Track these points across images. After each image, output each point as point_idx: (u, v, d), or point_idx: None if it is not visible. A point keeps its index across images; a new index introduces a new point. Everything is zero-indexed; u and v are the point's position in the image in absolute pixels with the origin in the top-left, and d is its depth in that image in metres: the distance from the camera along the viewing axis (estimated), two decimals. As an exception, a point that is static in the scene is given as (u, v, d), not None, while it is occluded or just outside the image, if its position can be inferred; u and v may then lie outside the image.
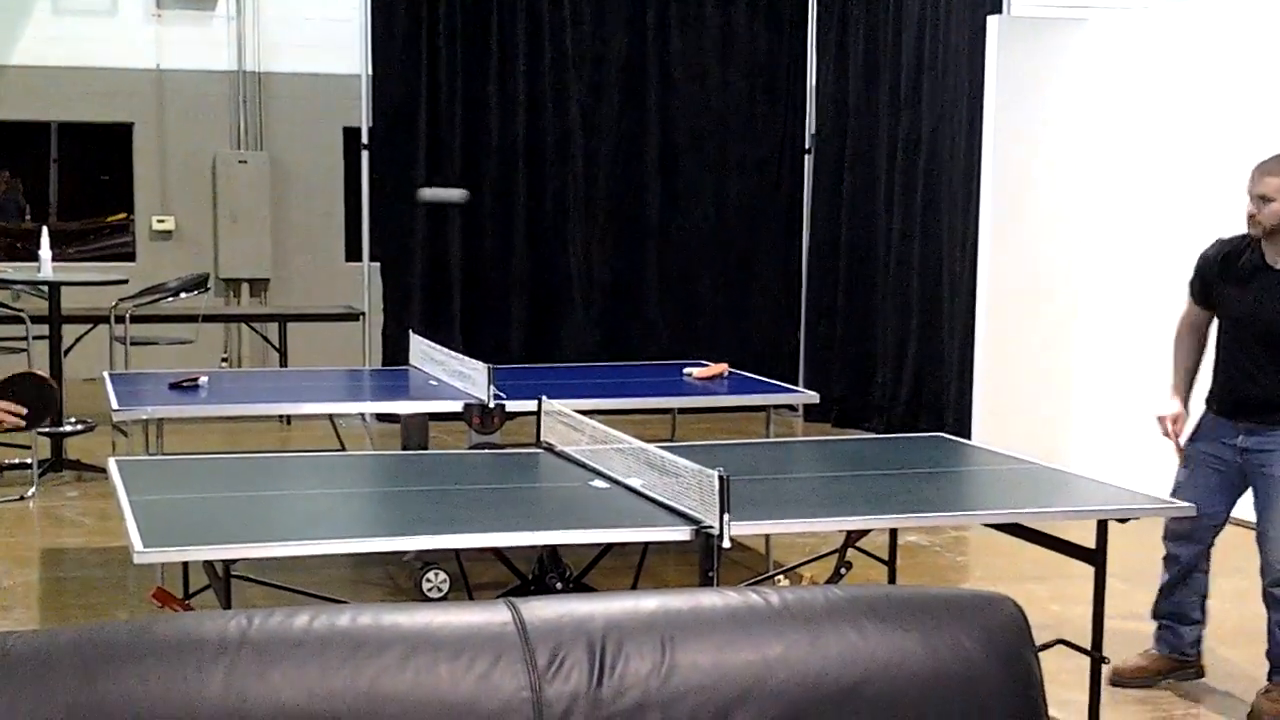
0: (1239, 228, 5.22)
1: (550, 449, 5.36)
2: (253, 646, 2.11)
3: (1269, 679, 5.19)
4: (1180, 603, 5.43)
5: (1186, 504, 4.85)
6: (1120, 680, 5.43)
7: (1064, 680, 4.93)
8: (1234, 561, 5.54)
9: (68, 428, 8.96)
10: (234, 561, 4.02)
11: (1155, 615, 5.51)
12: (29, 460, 8.35)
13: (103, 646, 2.08)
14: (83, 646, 2.08)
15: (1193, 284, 5.38)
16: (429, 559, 6.23)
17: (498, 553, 5.47)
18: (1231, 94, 7.93)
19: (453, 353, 7.09)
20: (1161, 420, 5.31)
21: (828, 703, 2.26)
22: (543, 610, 2.27)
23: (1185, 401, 5.36)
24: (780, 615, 2.33)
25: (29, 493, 8.15)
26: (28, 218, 13.45)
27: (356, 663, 2.12)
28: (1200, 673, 5.50)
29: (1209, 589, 5.45)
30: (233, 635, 2.12)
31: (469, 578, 5.70)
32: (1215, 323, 5.31)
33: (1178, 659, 5.47)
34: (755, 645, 2.28)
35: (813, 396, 7.28)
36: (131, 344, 9.17)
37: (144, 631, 2.13)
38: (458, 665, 2.15)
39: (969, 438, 8.55)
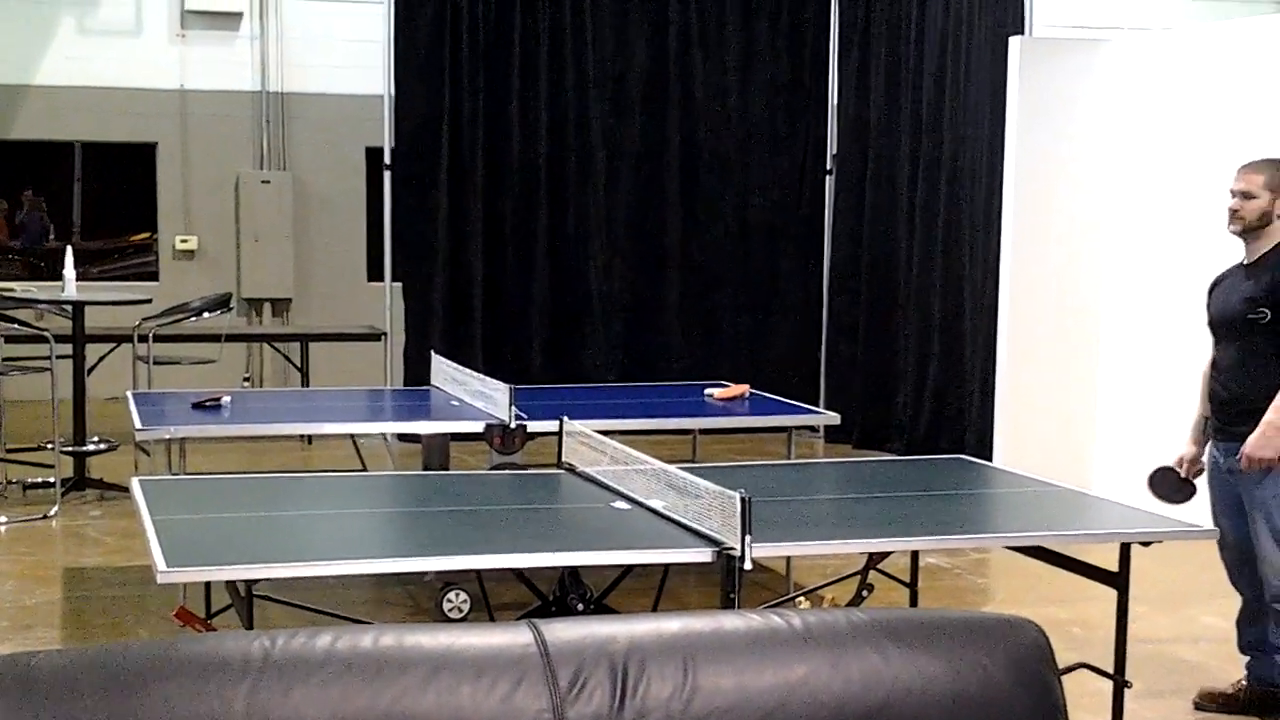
0: None
1: (572, 470, 5.36)
2: (276, 667, 2.11)
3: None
4: (1261, 630, 5.27)
5: (1210, 529, 4.82)
6: (1202, 705, 5.35)
7: (1086, 704, 4.90)
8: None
9: (90, 446, 9.00)
10: (256, 581, 4.03)
11: (1241, 647, 5.39)
12: (52, 479, 8.38)
13: (126, 666, 2.09)
14: (106, 666, 2.08)
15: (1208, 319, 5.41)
16: (450, 579, 6.23)
17: (519, 574, 5.46)
18: (1253, 116, 7.91)
19: (474, 373, 7.10)
20: (1179, 463, 5.36)
21: (850, 726, 2.25)
22: (565, 632, 2.27)
23: (1199, 442, 5.36)
24: (803, 638, 2.33)
25: (52, 511, 8.17)
26: (52, 237, 13.52)
27: (379, 684, 2.12)
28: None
29: None
30: (256, 656, 2.12)
31: (490, 598, 5.70)
32: None
33: (1264, 690, 5.30)
34: (778, 668, 2.27)
35: (834, 418, 7.27)
36: (154, 363, 9.19)
37: (167, 651, 2.13)
38: (480, 686, 2.15)
39: (991, 459, 8.53)
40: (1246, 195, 5.09)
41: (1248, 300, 5.09)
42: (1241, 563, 5.24)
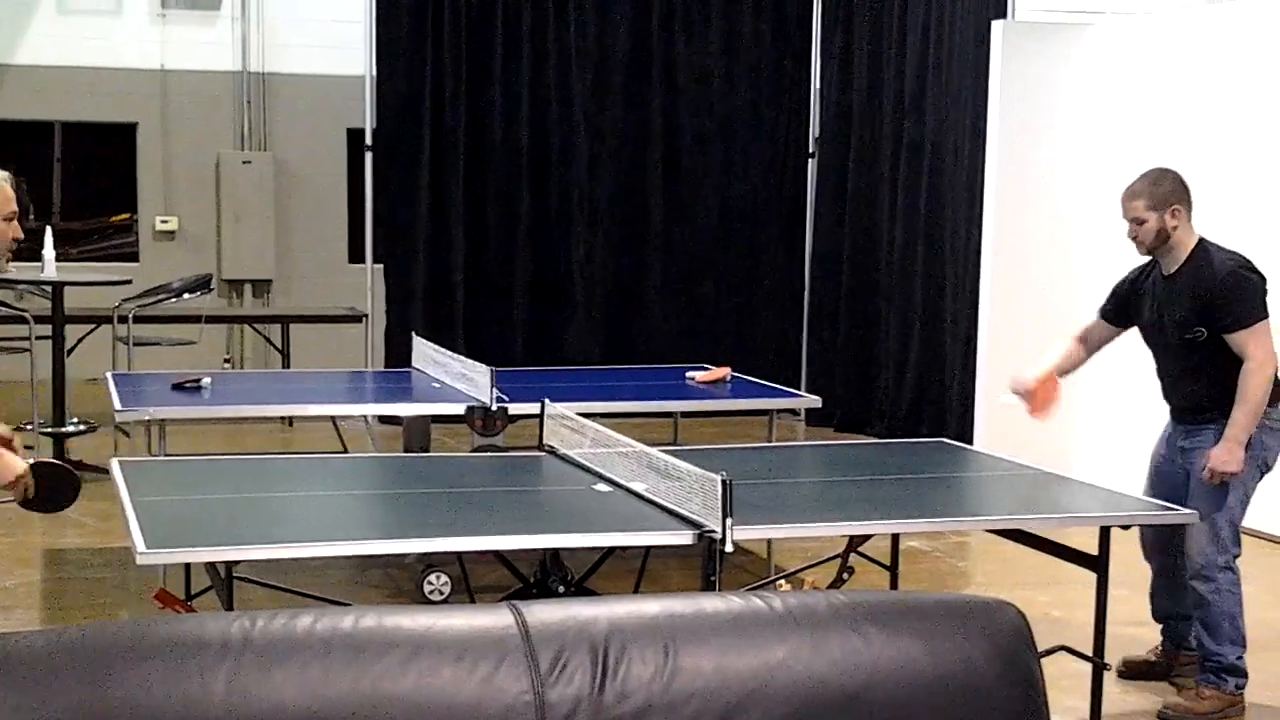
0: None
1: (553, 452, 5.36)
2: (255, 649, 2.11)
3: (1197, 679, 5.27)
4: (1170, 602, 5.49)
5: (1189, 511, 4.85)
6: (1127, 673, 5.49)
7: (1065, 686, 4.92)
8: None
9: (70, 428, 8.97)
10: (236, 563, 4.02)
11: (1155, 617, 5.57)
12: (32, 460, 8.33)
13: (105, 648, 2.08)
14: (85, 648, 2.08)
15: (1105, 303, 5.58)
16: (431, 561, 6.23)
17: (499, 555, 5.47)
18: (1236, 99, 7.93)
19: (455, 355, 7.09)
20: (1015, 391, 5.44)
21: (830, 708, 2.26)
22: (545, 614, 2.27)
23: (1043, 377, 5.48)
24: (783, 620, 2.33)
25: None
26: (31, 217, 13.45)
27: (359, 665, 2.12)
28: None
29: None
30: (235, 637, 2.12)
31: (470, 580, 5.70)
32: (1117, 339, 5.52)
33: (1185, 654, 5.50)
34: (758, 650, 2.28)
35: (815, 401, 7.28)
36: (134, 344, 9.17)
37: (147, 633, 2.13)
38: (460, 668, 2.15)
39: (971, 443, 8.55)
40: (1137, 221, 5.20)
41: (1179, 324, 5.16)
42: (1157, 538, 5.39)
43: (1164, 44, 8.49)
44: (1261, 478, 5.21)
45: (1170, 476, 5.31)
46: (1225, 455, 5.03)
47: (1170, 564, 5.43)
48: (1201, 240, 5.21)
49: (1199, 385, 5.19)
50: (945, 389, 10.10)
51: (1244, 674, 5.22)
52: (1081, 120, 8.91)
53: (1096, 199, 8.88)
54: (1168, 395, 5.35)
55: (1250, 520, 5.36)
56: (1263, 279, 5.13)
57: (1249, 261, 5.17)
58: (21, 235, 4.41)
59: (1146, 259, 5.38)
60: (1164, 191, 5.16)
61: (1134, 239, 5.26)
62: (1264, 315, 5.07)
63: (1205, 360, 5.14)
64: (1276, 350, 5.07)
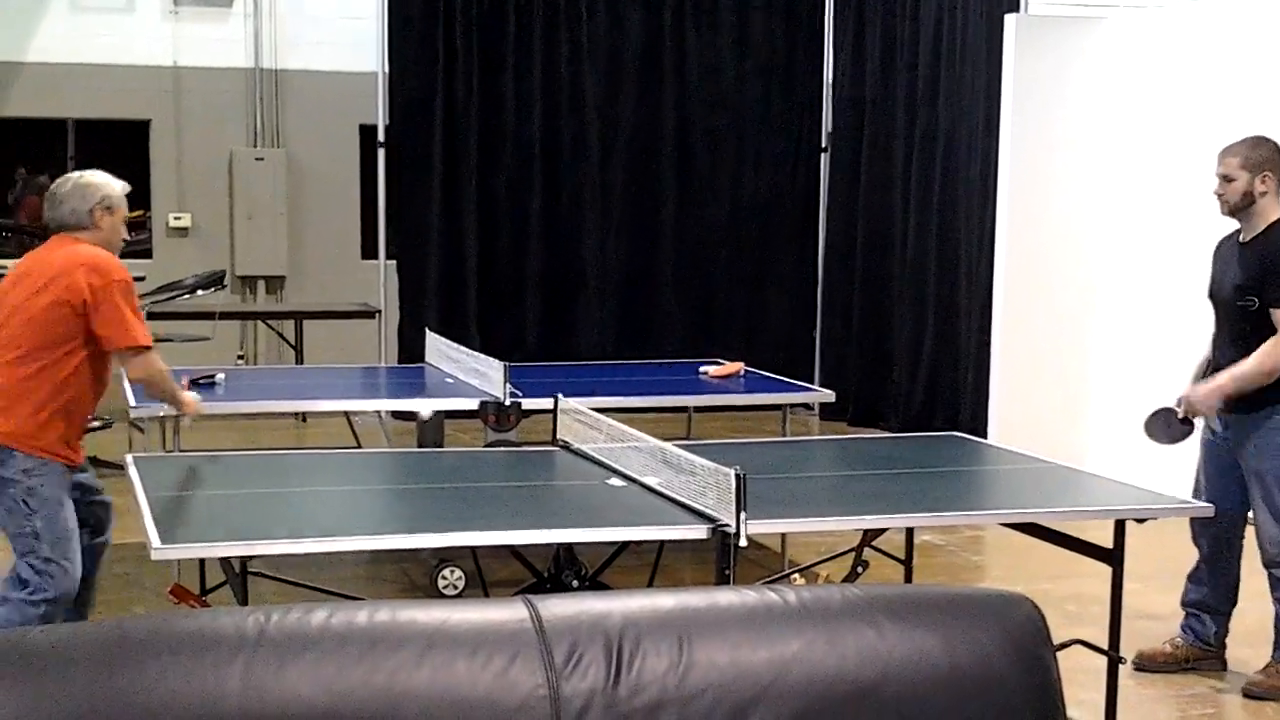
0: None
1: (566, 447, 5.36)
2: (270, 643, 2.11)
3: (1272, 656, 5.30)
4: (1205, 591, 5.51)
5: (1205, 504, 4.85)
6: (1142, 665, 5.50)
7: (1080, 680, 4.91)
8: (1255, 561, 5.51)
9: (85, 424, 8.96)
10: (251, 558, 4.02)
11: (1182, 603, 5.59)
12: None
13: (122, 642, 2.08)
14: (102, 642, 2.08)
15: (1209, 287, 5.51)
16: (445, 556, 6.24)
17: (514, 550, 5.47)
18: (1248, 92, 7.90)
19: (469, 350, 7.09)
20: (1179, 404, 5.42)
21: (845, 702, 2.26)
22: (560, 608, 2.27)
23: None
24: (798, 614, 2.33)
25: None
26: (21, 212, 13.47)
27: (374, 660, 2.12)
28: (1223, 666, 5.53)
29: (1237, 581, 5.48)
30: (251, 632, 2.12)
31: (485, 575, 5.71)
32: None
33: (1200, 648, 5.52)
34: (772, 644, 2.27)
35: (828, 395, 7.28)
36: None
37: (163, 628, 2.13)
38: (475, 662, 2.15)
39: (985, 436, 8.53)
40: (1226, 179, 5.20)
41: (1237, 288, 5.17)
42: (1204, 524, 5.37)
43: (1177, 37, 8.46)
44: None
45: (1216, 451, 5.35)
46: (1204, 395, 5.15)
47: (1214, 552, 5.45)
48: None
49: (1237, 359, 5.16)
50: (959, 383, 10.08)
51: None
52: (1094, 113, 8.89)
53: (1110, 192, 8.86)
54: (1217, 365, 5.30)
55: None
56: None
57: None
58: (129, 236, 5.01)
59: (1230, 231, 5.36)
60: (1260, 156, 5.17)
61: (1220, 196, 5.24)
62: None
63: (1253, 331, 5.12)
64: None
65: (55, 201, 4.88)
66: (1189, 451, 5.47)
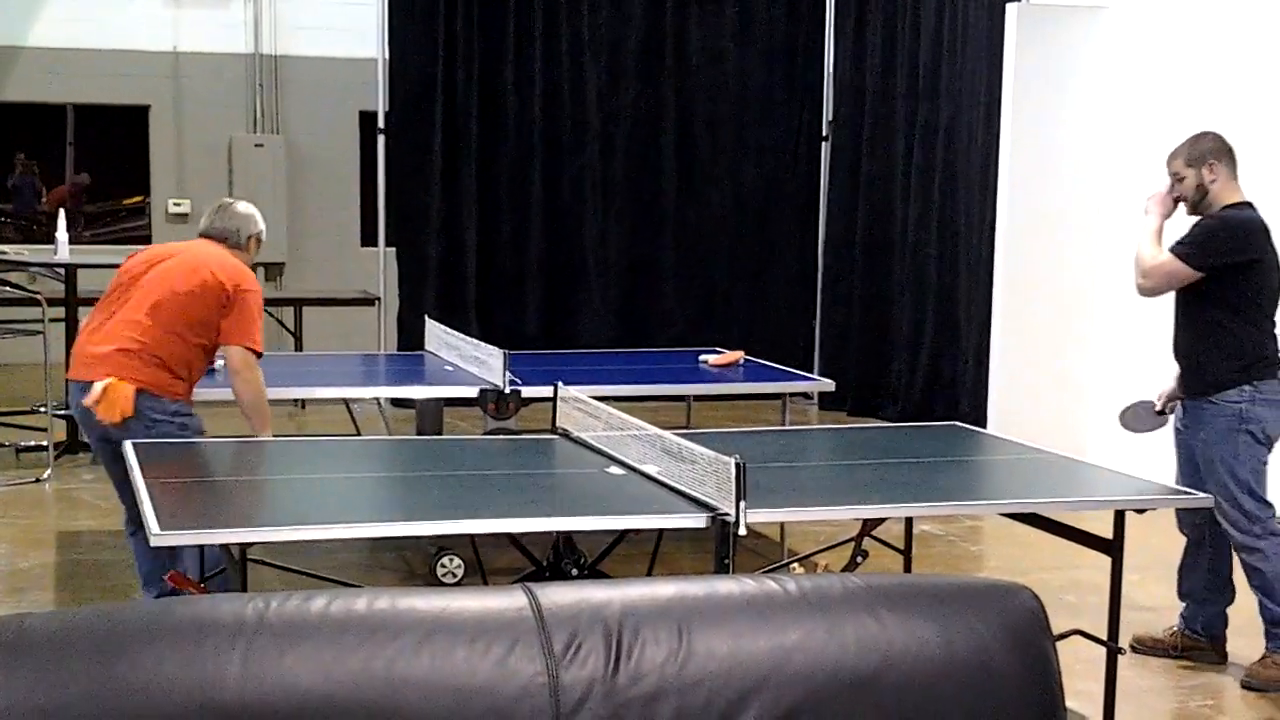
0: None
1: (566, 435, 5.35)
2: (269, 630, 2.10)
3: (1267, 647, 5.34)
4: (1193, 580, 5.58)
5: (1204, 495, 4.84)
6: (1136, 648, 5.57)
7: (1080, 670, 4.92)
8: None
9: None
10: (250, 545, 4.02)
11: (1179, 594, 5.65)
12: (45, 443, 8.37)
13: (120, 628, 2.08)
14: (99, 628, 2.08)
15: None
16: (444, 544, 6.24)
17: (513, 538, 5.46)
18: (1251, 82, 7.89)
19: (468, 338, 7.09)
20: (1159, 397, 5.68)
21: (844, 691, 2.25)
22: (559, 596, 2.26)
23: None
24: (797, 603, 2.33)
25: (45, 475, 8.16)
26: (44, 200, 13.47)
27: (373, 647, 2.11)
28: (1221, 658, 5.54)
29: (1227, 571, 5.49)
30: (250, 618, 2.12)
31: (484, 563, 5.70)
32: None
33: (1190, 637, 5.58)
34: (772, 633, 2.27)
35: (828, 384, 7.27)
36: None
37: (161, 614, 2.13)
38: (474, 650, 2.15)
39: (985, 426, 8.53)
40: (1178, 178, 5.36)
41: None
42: (1187, 513, 5.51)
43: (1179, 26, 8.45)
44: (1267, 449, 5.28)
45: (1184, 439, 5.47)
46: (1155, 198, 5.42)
47: (1196, 541, 5.53)
48: (1242, 201, 5.29)
49: (1187, 335, 5.35)
50: (959, 373, 10.08)
51: None
52: (1096, 103, 8.88)
53: (1111, 182, 8.85)
54: (1174, 351, 5.47)
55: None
56: (1238, 249, 5.19)
57: (1249, 227, 5.22)
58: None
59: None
60: (1202, 149, 5.32)
61: (1180, 200, 5.40)
62: (1190, 261, 5.19)
63: (1194, 306, 5.28)
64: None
65: (226, 215, 5.70)
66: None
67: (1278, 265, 5.26)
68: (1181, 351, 5.40)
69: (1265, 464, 5.30)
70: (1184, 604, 5.62)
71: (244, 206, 5.77)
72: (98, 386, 5.25)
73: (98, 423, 5.29)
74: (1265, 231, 5.26)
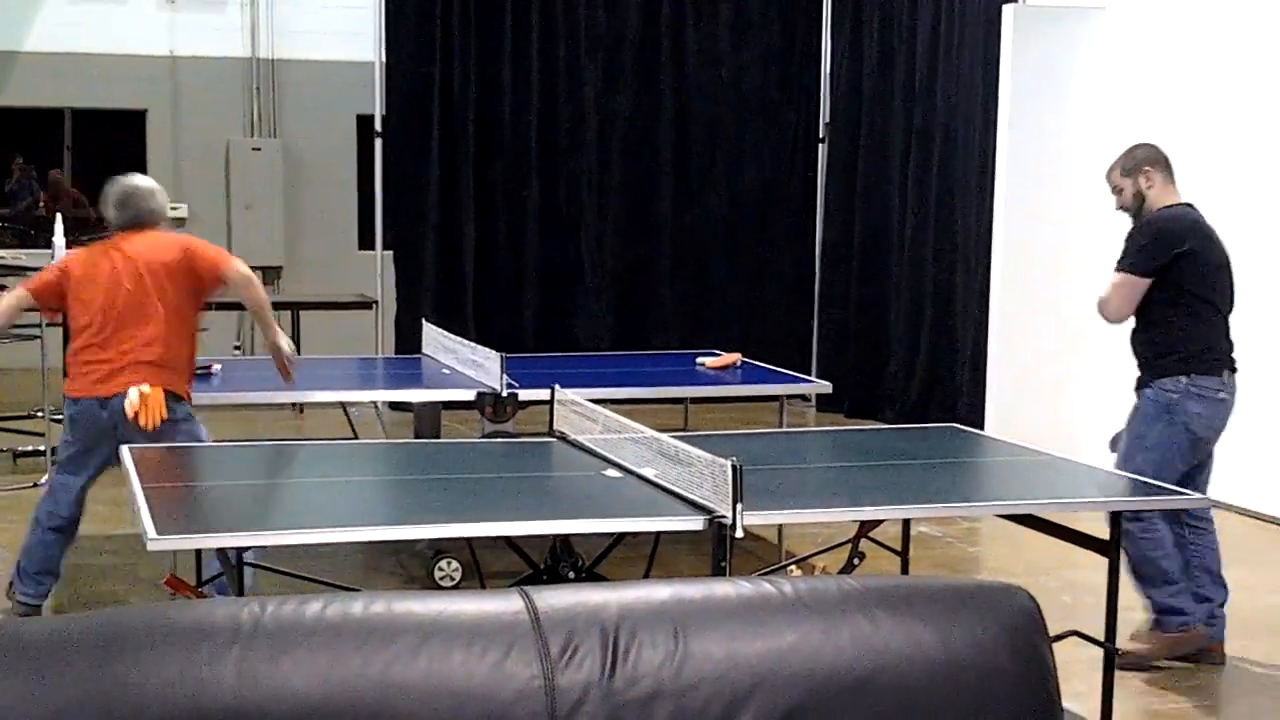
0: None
1: (563, 438, 5.35)
2: (265, 634, 2.11)
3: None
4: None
5: (1201, 496, 4.85)
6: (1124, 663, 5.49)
7: (1077, 672, 4.92)
8: (1241, 553, 5.53)
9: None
10: (246, 549, 4.02)
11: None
12: (42, 447, 8.36)
13: (116, 633, 2.08)
14: (96, 633, 2.08)
15: None
16: (441, 547, 6.23)
17: (510, 541, 5.46)
18: (1249, 83, 7.89)
19: (466, 341, 7.09)
20: None
21: (841, 693, 2.25)
22: (556, 599, 2.26)
23: None
24: (794, 605, 2.33)
25: (42, 480, 8.15)
26: (41, 204, 13.47)
27: (369, 651, 2.12)
28: (1220, 659, 5.53)
29: (1210, 567, 5.50)
30: (245, 623, 2.12)
31: (481, 566, 5.70)
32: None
33: (1167, 637, 5.54)
34: (768, 635, 2.27)
35: (825, 386, 7.27)
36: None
37: (157, 618, 2.13)
38: (471, 654, 2.15)
39: (982, 428, 8.54)
40: (1117, 190, 5.54)
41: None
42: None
43: (1175, 28, 8.45)
44: (1193, 446, 5.30)
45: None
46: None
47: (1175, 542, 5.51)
48: (1180, 204, 5.42)
49: (1136, 332, 5.50)
50: (956, 374, 10.08)
51: (1182, 611, 5.38)
52: (1092, 105, 8.89)
53: (1107, 185, 8.85)
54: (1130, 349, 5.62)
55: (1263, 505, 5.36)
56: (1170, 244, 5.29)
57: (1174, 224, 5.33)
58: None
59: None
60: (1136, 158, 5.47)
61: (1122, 209, 5.54)
62: (1133, 270, 5.31)
63: (1143, 305, 5.40)
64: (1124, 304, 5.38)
65: (139, 199, 5.79)
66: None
67: (1221, 261, 5.40)
68: (1133, 348, 5.53)
69: (1183, 462, 5.32)
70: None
71: (144, 182, 5.88)
72: (134, 394, 5.49)
73: (131, 431, 5.47)
74: (1196, 225, 5.37)
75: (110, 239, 5.81)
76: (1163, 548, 5.35)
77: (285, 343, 6.00)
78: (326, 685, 2.08)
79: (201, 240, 5.91)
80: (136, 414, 5.48)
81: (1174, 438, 5.28)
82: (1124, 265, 5.34)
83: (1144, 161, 5.44)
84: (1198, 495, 4.84)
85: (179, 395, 5.67)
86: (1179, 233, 5.32)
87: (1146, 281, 5.30)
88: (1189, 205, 5.44)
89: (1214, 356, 5.34)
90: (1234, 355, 5.45)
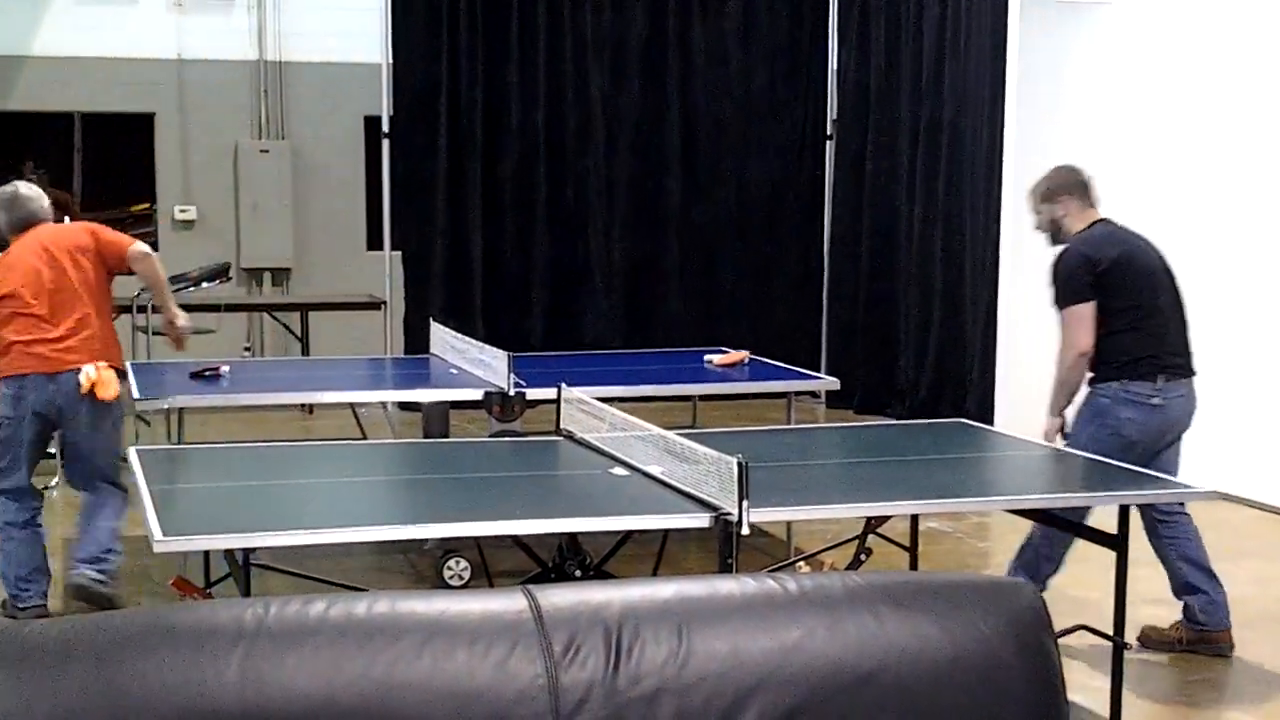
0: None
1: (570, 436, 5.36)
2: (269, 634, 2.10)
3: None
4: (1175, 575, 5.60)
5: (1208, 490, 4.83)
6: (1145, 642, 5.59)
7: (1086, 665, 4.91)
8: (1253, 546, 5.52)
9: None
10: (253, 550, 4.02)
11: (1173, 592, 5.67)
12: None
13: (119, 634, 2.08)
14: (99, 634, 2.08)
15: None
16: (450, 547, 6.24)
17: (518, 540, 5.47)
18: (1256, 77, 7.88)
19: (473, 341, 7.09)
20: None
21: (845, 689, 2.25)
22: (559, 597, 2.26)
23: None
24: (798, 602, 2.32)
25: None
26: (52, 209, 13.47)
27: (372, 650, 2.11)
28: (1227, 649, 5.54)
29: (1201, 559, 5.51)
30: (249, 623, 2.12)
31: (489, 565, 5.71)
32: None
33: (1193, 631, 5.56)
34: (772, 632, 2.27)
35: (833, 383, 7.27)
36: (153, 334, 9.18)
37: (160, 619, 2.13)
38: (474, 653, 2.15)
39: (991, 423, 8.52)
40: (1035, 214, 5.66)
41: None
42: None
43: (1182, 21, 8.43)
44: (1125, 450, 5.28)
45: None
46: (1046, 434, 5.51)
47: (1149, 527, 5.55)
48: (1095, 222, 5.52)
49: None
50: (965, 370, 10.07)
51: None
52: (1100, 99, 8.87)
53: (1115, 179, 8.83)
54: None
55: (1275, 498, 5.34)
56: (1091, 265, 5.39)
57: (1082, 248, 5.43)
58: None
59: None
60: (1052, 184, 5.60)
61: (1039, 230, 5.68)
62: (1073, 301, 5.39)
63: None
64: (1084, 337, 5.40)
65: (26, 203, 6.20)
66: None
67: (1151, 265, 5.50)
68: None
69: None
70: (1181, 600, 5.61)
71: (26, 188, 6.32)
72: (90, 370, 5.88)
73: (76, 407, 5.90)
74: (1111, 240, 5.49)
75: (17, 240, 6.19)
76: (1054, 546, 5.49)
77: (183, 319, 6.31)
78: (330, 685, 2.08)
79: (100, 225, 6.36)
80: (93, 386, 5.84)
81: (1101, 441, 5.33)
82: (1063, 302, 5.46)
83: (1059, 189, 5.56)
84: (1205, 489, 4.82)
85: (121, 372, 6.12)
86: (1093, 254, 5.43)
87: (1091, 304, 5.40)
88: (1104, 221, 5.56)
89: (1152, 362, 5.40)
90: (1182, 359, 5.48)
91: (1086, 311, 5.39)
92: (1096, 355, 5.42)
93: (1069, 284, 5.43)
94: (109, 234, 6.21)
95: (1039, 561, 5.53)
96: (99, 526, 6.00)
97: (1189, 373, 5.47)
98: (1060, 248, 5.53)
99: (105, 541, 5.96)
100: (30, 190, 6.32)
